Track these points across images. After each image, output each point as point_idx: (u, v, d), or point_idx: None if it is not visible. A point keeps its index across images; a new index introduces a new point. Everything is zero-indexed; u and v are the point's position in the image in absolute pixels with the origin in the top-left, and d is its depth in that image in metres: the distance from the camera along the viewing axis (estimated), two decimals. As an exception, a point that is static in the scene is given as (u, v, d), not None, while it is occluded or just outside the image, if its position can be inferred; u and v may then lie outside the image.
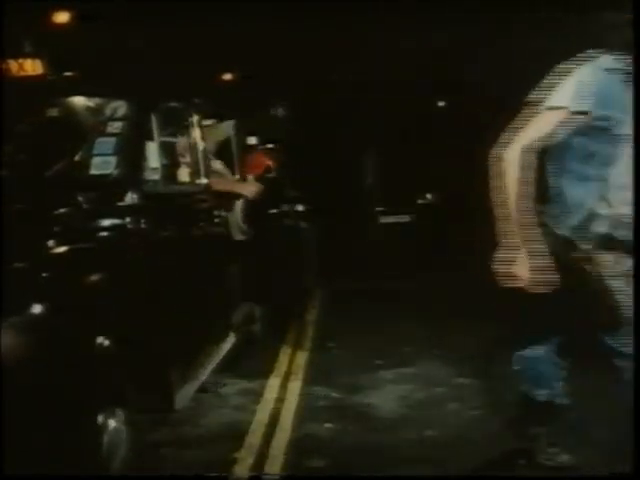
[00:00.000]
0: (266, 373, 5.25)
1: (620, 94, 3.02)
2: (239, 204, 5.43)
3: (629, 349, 2.98)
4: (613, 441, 3.61)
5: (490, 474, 3.60)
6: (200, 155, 4.63)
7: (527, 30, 9.84)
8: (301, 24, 10.09)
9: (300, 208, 7.84)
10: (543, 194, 3.16)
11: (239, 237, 5.41)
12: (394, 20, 10.37)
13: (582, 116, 3.01)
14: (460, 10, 9.68)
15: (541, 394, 3.50)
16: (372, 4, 9.74)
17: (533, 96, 3.11)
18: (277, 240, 6.11)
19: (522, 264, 3.00)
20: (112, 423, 3.08)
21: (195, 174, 4.53)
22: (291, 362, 5.60)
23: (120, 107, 3.97)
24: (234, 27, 10.11)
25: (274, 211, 6.57)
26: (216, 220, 4.81)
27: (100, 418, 3.01)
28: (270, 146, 7.83)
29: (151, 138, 3.97)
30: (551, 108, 3.05)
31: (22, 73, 4.61)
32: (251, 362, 5.29)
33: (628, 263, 3.01)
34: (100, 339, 2.99)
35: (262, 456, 3.86)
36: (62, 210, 3.32)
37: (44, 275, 2.91)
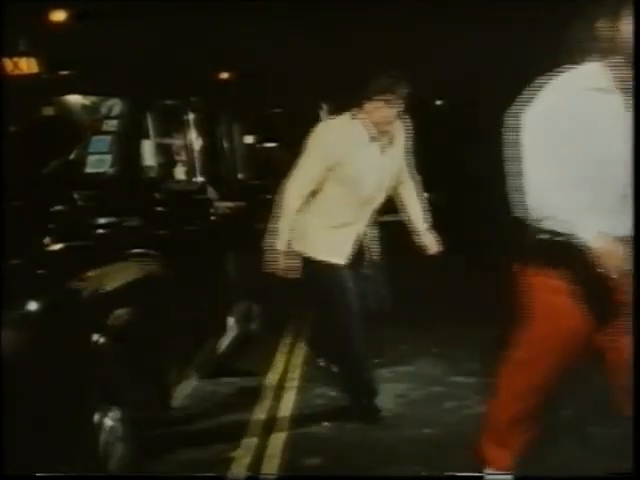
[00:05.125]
0: (263, 371, 5.24)
1: None
2: None
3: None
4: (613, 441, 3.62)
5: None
6: (196, 153, 4.63)
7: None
8: (300, 25, 10.10)
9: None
10: None
11: None
12: (394, 19, 10.39)
13: None
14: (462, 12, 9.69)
15: None
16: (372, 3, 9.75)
17: None
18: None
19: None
20: (109, 422, 3.08)
21: (191, 172, 4.53)
22: (288, 360, 5.59)
23: (116, 105, 3.96)
24: (232, 25, 10.11)
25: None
26: (212, 218, 4.80)
27: (97, 417, 3.00)
28: (269, 145, 7.82)
29: (147, 136, 3.96)
30: None
31: (17, 72, 4.60)
32: (248, 360, 5.28)
33: None
34: (96, 337, 2.98)
35: (259, 455, 3.86)
36: (58, 208, 3.31)
37: (40, 272, 2.90)
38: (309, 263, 4.12)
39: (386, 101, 4.01)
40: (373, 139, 4.12)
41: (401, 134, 4.25)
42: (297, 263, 4.08)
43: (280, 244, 4.06)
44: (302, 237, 4.13)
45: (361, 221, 4.25)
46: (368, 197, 4.18)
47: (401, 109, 4.09)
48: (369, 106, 4.06)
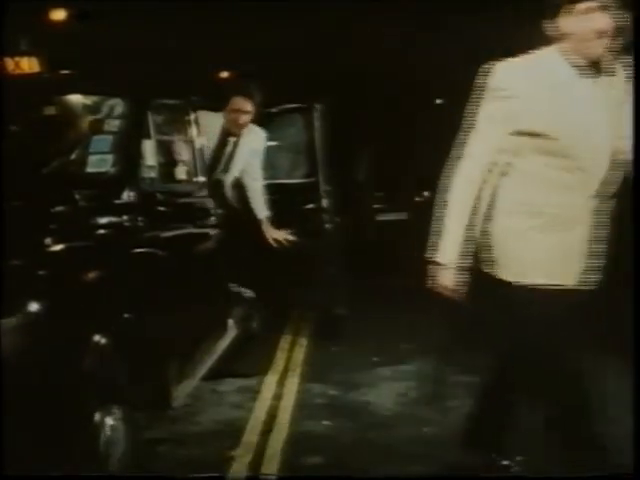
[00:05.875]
0: (263, 370, 5.24)
1: None
2: None
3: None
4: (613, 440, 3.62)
5: (489, 472, 3.59)
6: (197, 153, 4.64)
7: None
8: (297, 20, 10.10)
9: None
10: None
11: None
12: (392, 17, 10.36)
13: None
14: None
15: None
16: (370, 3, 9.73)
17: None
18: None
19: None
20: (109, 421, 3.09)
21: (192, 172, 4.53)
22: (288, 359, 5.60)
23: (117, 105, 3.96)
24: (232, 24, 10.10)
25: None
26: (212, 217, 4.80)
27: (97, 416, 3.01)
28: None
29: (148, 136, 3.97)
30: None
31: (19, 71, 4.60)
32: (248, 359, 5.28)
33: None
34: (97, 337, 2.99)
35: (259, 454, 3.86)
36: (59, 208, 3.31)
37: (41, 273, 2.91)
38: (519, 290, 2.84)
39: (597, 4, 2.55)
40: (582, 73, 2.69)
41: (619, 67, 2.76)
42: (461, 280, 2.88)
43: (442, 256, 2.92)
44: (493, 252, 2.91)
45: (589, 210, 2.80)
46: (591, 166, 2.72)
47: (618, 23, 2.58)
48: (568, 18, 2.60)
